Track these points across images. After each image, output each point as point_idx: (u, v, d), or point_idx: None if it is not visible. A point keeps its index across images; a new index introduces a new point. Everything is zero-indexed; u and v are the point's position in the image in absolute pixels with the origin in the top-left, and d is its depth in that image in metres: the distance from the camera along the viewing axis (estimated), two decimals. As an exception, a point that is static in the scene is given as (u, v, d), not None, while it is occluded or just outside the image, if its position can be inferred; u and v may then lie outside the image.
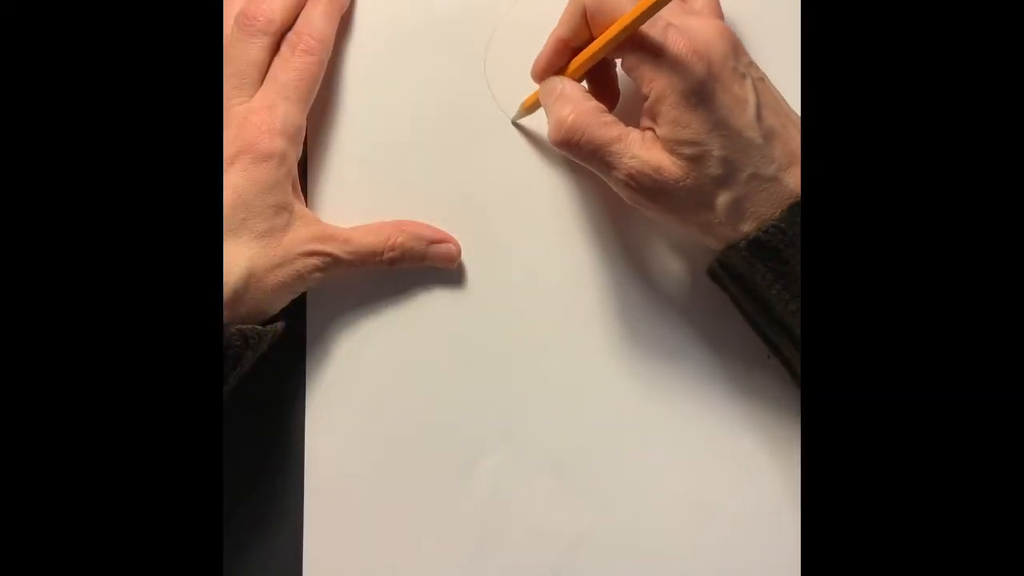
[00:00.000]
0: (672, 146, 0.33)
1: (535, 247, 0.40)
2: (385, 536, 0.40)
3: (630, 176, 0.33)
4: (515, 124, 0.40)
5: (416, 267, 0.39)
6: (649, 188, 0.34)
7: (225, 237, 0.35)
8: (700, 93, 0.32)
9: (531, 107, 0.39)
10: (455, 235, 0.40)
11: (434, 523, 0.40)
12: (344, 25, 0.40)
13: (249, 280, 0.35)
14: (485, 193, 0.40)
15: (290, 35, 0.38)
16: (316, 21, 0.38)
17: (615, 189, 0.35)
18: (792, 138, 0.34)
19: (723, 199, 0.33)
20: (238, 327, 0.35)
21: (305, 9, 0.38)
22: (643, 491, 0.39)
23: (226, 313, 0.35)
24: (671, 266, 0.39)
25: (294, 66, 0.37)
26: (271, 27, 0.37)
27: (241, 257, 0.35)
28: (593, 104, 0.34)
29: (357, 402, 0.40)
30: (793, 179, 0.33)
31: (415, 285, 0.40)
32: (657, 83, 0.33)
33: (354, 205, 0.40)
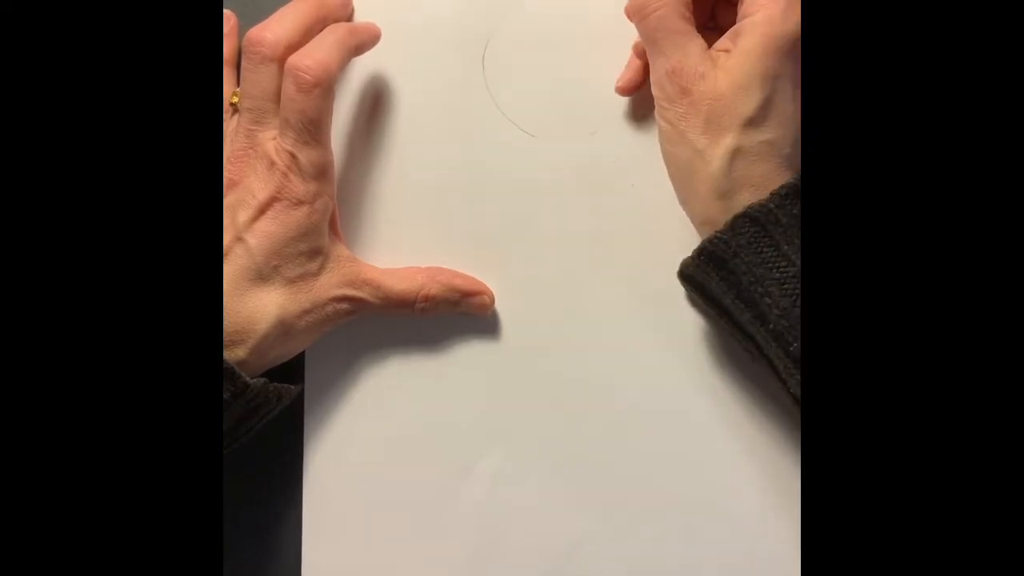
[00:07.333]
0: (734, 74, 0.33)
1: (533, 247, 0.40)
2: (385, 536, 0.40)
3: (673, 71, 0.34)
4: None
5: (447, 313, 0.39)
6: (682, 89, 0.33)
7: (257, 284, 0.35)
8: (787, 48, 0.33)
9: None
10: (452, 233, 0.40)
11: (434, 523, 0.40)
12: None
13: (279, 327, 0.35)
14: (481, 192, 0.40)
15: (288, 66, 0.35)
16: (315, 50, 0.35)
17: (652, 82, 0.35)
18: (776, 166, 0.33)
19: (724, 147, 0.33)
20: (275, 385, 0.35)
21: (318, 36, 0.36)
22: (643, 491, 0.39)
23: (254, 358, 0.35)
24: (668, 265, 0.39)
25: (300, 108, 0.34)
26: (277, 51, 0.35)
27: (272, 304, 0.35)
28: None
29: (357, 402, 0.40)
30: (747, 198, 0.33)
31: (414, 285, 0.40)
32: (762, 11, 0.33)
33: (350, 204, 0.40)
